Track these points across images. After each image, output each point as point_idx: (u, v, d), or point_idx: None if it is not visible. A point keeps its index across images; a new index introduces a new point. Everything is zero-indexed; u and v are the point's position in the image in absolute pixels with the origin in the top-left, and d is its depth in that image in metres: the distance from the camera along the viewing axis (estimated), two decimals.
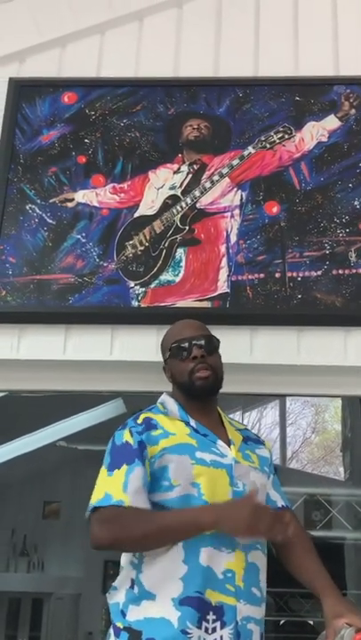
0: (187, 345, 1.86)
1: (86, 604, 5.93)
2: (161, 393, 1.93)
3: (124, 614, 1.65)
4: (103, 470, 1.72)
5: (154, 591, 1.63)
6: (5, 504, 6.25)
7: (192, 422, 1.81)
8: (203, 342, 1.87)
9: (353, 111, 2.62)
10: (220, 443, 1.79)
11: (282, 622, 5.32)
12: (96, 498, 1.66)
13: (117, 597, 1.69)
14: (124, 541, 1.65)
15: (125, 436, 1.73)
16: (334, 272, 2.41)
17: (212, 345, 1.90)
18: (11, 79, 2.78)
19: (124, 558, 1.75)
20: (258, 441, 1.95)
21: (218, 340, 1.93)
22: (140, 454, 1.69)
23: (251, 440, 1.92)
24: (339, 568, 4.91)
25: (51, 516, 6.44)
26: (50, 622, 6.03)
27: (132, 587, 1.67)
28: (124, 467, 1.67)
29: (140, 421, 1.78)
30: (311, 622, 5.28)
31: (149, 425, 1.77)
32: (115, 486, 1.65)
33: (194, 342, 1.86)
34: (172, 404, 1.86)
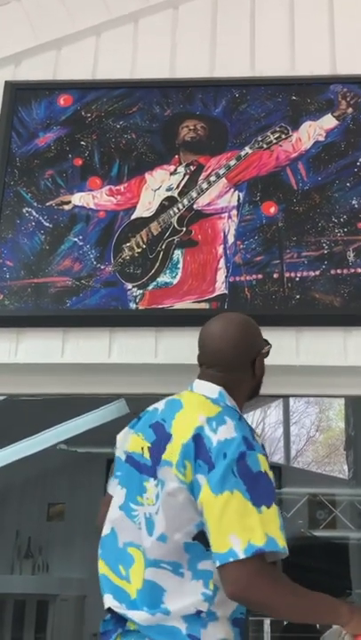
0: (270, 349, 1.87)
1: (92, 606, 5.91)
2: (160, 395, 1.89)
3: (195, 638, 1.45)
4: (245, 502, 1.39)
5: (219, 613, 1.48)
6: (9, 506, 6.25)
7: None
8: None
9: (350, 110, 2.61)
10: None
11: (286, 623, 5.30)
12: (257, 538, 1.36)
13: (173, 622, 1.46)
14: (269, 607, 1.44)
15: (263, 464, 1.46)
16: (333, 272, 2.40)
17: None
18: (6, 82, 2.77)
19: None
20: None
21: None
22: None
23: None
24: (343, 568, 4.91)
25: (55, 518, 6.44)
26: (55, 624, 6.02)
27: (197, 614, 1.46)
28: (274, 506, 1.41)
29: (258, 435, 1.58)
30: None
31: None
32: (274, 529, 1.38)
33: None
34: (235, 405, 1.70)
